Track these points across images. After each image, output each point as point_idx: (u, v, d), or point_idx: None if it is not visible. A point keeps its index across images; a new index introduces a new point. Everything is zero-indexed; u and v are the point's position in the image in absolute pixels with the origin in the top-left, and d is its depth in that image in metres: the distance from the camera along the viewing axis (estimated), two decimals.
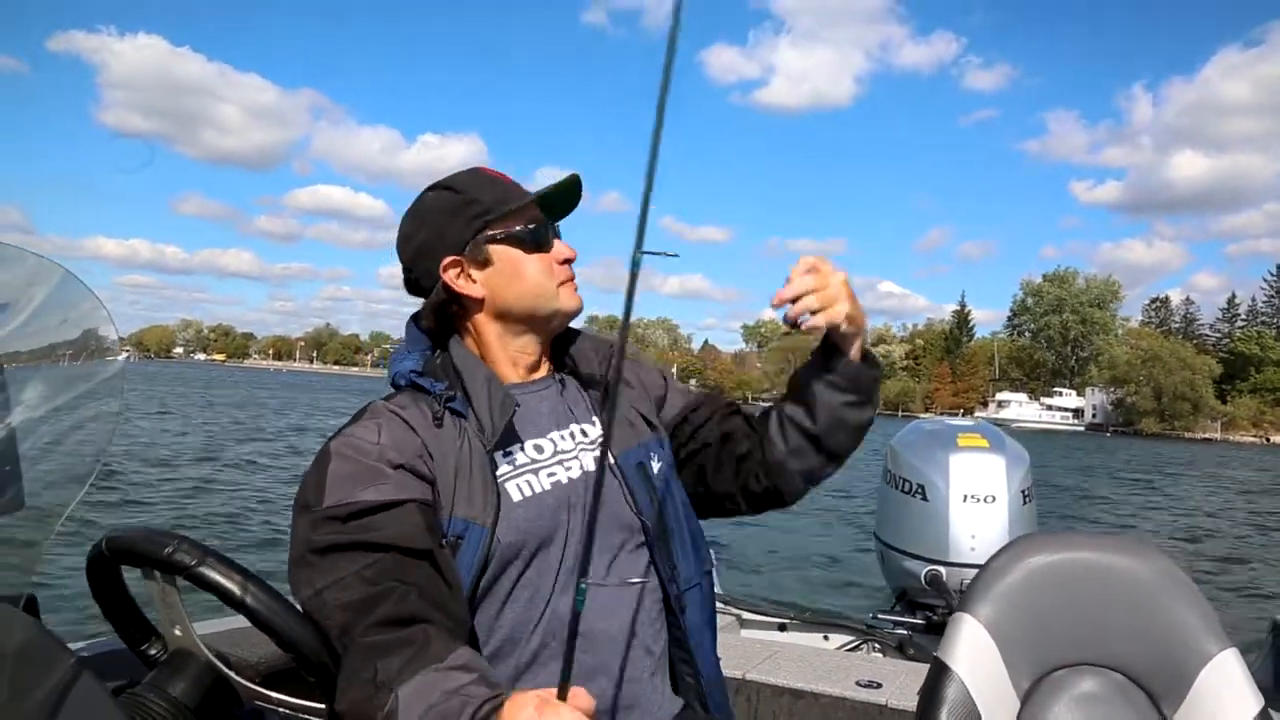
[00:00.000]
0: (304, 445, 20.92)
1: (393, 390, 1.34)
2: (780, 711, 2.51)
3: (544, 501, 1.26)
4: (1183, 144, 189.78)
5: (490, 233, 1.31)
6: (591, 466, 1.32)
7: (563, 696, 0.91)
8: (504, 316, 1.34)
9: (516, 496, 1.24)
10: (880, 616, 3.77)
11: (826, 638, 3.84)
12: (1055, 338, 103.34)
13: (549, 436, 1.33)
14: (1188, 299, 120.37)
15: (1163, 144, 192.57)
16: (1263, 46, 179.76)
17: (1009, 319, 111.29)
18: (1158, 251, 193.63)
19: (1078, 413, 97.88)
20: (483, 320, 1.35)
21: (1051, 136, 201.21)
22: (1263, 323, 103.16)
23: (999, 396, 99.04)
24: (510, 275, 1.32)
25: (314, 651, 1.09)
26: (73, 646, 1.24)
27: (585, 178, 1.37)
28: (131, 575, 1.21)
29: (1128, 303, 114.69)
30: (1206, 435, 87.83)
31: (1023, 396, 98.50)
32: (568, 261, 1.36)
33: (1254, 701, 1.40)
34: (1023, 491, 3.61)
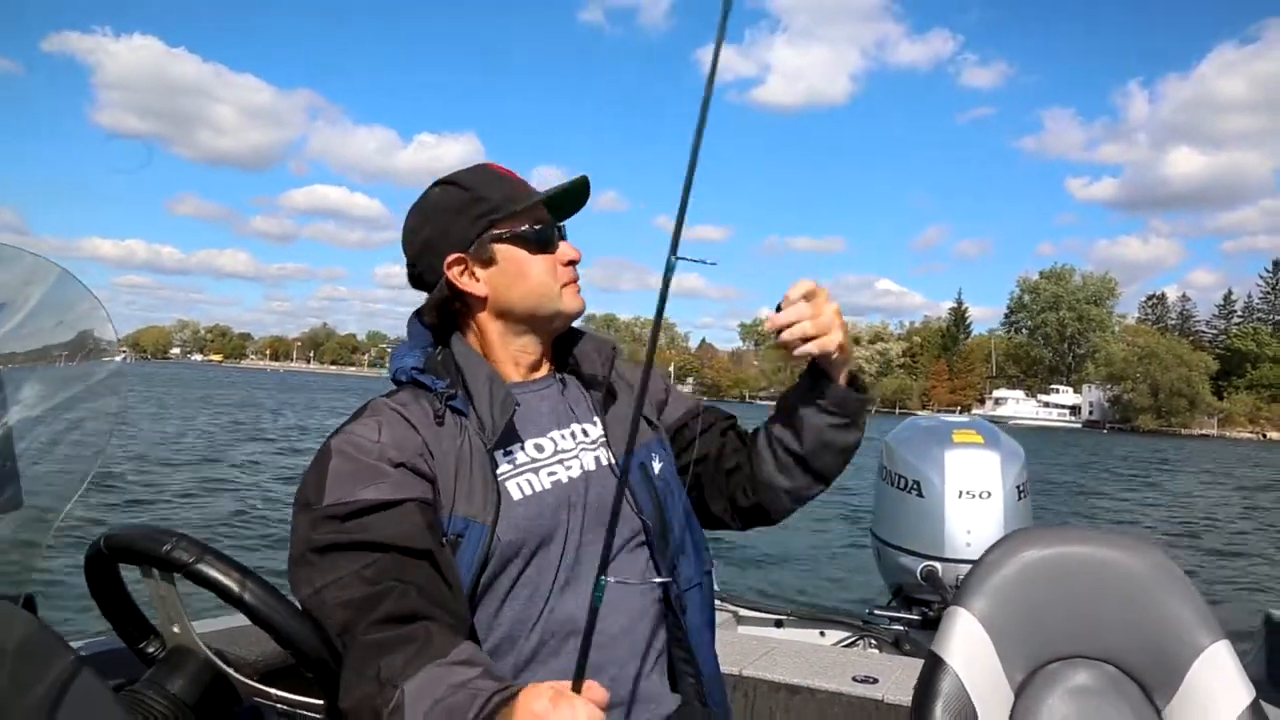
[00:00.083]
0: (303, 445, 20.91)
1: (394, 387, 1.34)
2: (777, 707, 2.52)
3: (544, 500, 1.26)
4: (1179, 141, 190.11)
5: (496, 232, 1.31)
6: (591, 466, 1.33)
7: (577, 689, 0.92)
8: (506, 316, 1.34)
9: (517, 495, 1.25)
10: (876, 612, 3.77)
11: (823, 634, 3.85)
12: (1052, 335, 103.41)
13: (549, 436, 1.33)
14: (1184, 296, 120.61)
15: (1159, 141, 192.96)
16: (1259, 43, 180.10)
17: (1006, 316, 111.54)
18: (1154, 248, 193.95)
19: (1075, 410, 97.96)
20: (485, 319, 1.35)
21: (1048, 134, 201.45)
22: (1259, 319, 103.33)
23: (996, 394, 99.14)
24: (514, 275, 1.32)
25: (312, 648, 1.09)
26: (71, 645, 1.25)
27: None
28: (130, 575, 1.21)
29: (1124, 300, 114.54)
30: (1203, 432, 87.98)
31: (1020, 394, 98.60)
32: (572, 263, 1.36)
33: (1245, 693, 1.41)
34: (1018, 487, 3.62)
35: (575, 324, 1.46)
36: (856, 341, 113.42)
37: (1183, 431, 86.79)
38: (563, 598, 1.24)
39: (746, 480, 1.45)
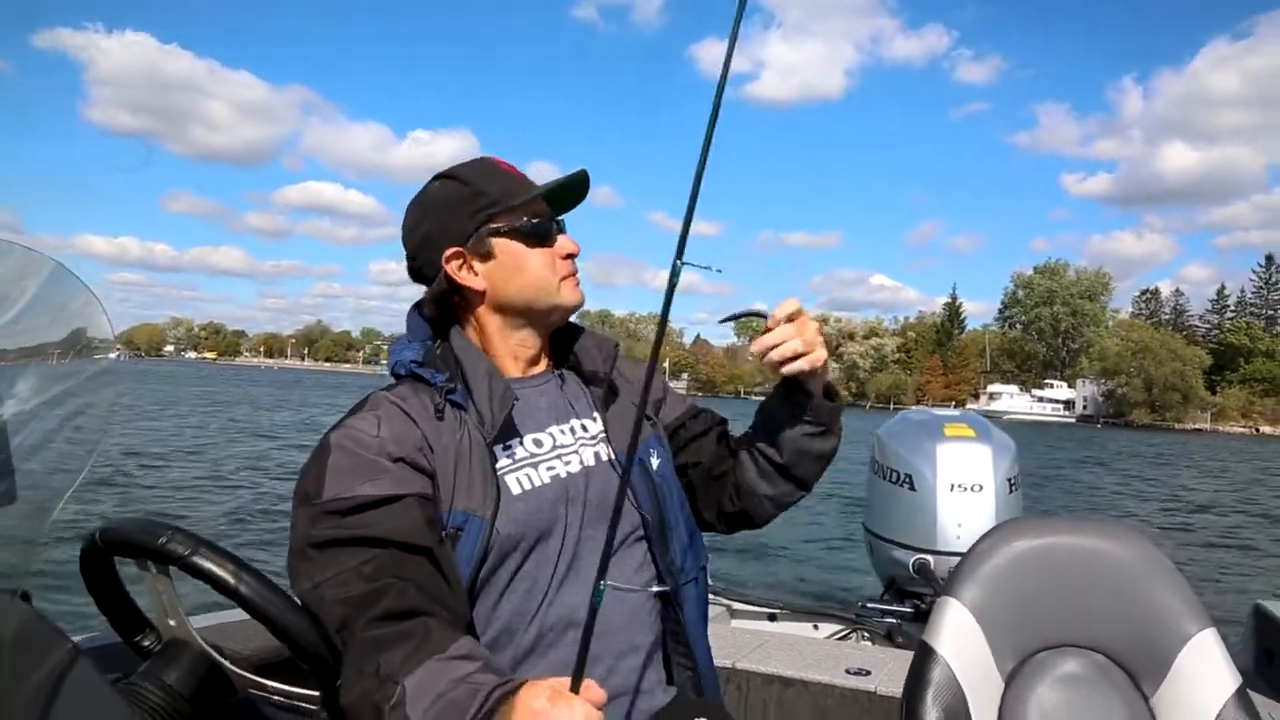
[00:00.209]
0: (302, 441, 20.86)
1: (393, 380, 1.35)
2: (770, 699, 2.53)
3: (543, 495, 1.26)
4: (1172, 136, 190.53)
5: (494, 226, 1.31)
6: (591, 462, 1.34)
7: (575, 688, 0.92)
8: (505, 309, 1.35)
9: (516, 490, 1.25)
10: (869, 605, 3.79)
11: (816, 627, 3.86)
12: (1046, 330, 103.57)
13: (548, 431, 1.34)
14: (1177, 290, 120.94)
15: (1153, 136, 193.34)
16: (1251, 39, 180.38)
17: (1000, 311, 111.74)
18: (1148, 243, 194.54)
19: (1069, 404, 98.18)
20: (484, 312, 1.36)
21: (1042, 129, 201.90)
22: (1252, 314, 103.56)
23: (990, 389, 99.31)
24: (512, 269, 1.32)
25: (308, 640, 1.09)
26: None
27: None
28: (126, 571, 1.21)
29: (1118, 294, 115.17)
30: (1196, 426, 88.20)
31: (1014, 388, 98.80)
32: (571, 256, 1.37)
33: (1231, 680, 1.42)
34: (1009, 480, 3.63)
35: (572, 320, 1.47)
36: (851, 337, 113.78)
37: (1176, 426, 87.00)
38: (561, 592, 1.24)
39: (732, 487, 1.48)
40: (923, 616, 3.54)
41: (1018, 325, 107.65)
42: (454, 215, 1.32)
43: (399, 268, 1.40)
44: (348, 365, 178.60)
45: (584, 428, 1.38)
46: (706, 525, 1.53)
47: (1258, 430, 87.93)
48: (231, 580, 1.08)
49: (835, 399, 1.44)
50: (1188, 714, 1.42)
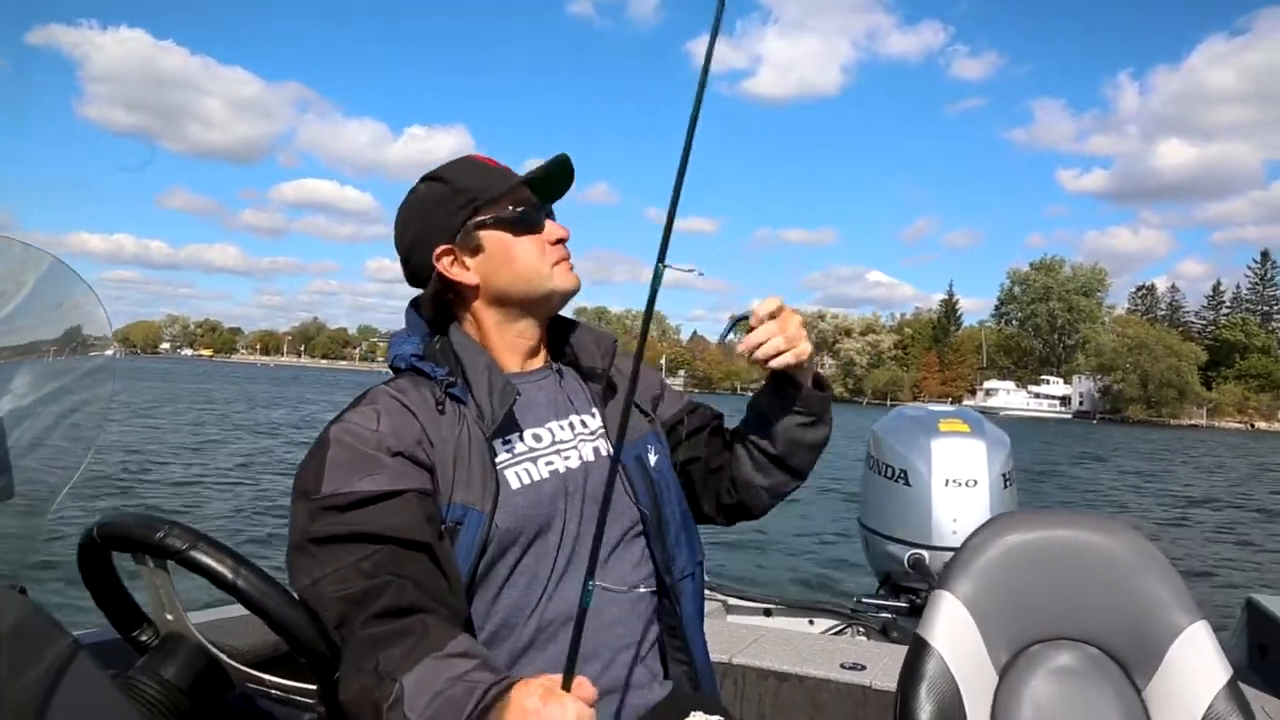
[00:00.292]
0: (300, 438, 20.84)
1: (392, 374, 1.35)
2: (766, 694, 2.53)
3: (542, 489, 1.27)
4: (1169, 132, 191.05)
5: (479, 219, 1.32)
6: (590, 457, 1.34)
7: (566, 686, 0.92)
8: (500, 301, 1.35)
9: (515, 484, 1.25)
10: (864, 600, 3.79)
11: (811, 622, 3.86)
12: (1042, 326, 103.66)
13: (547, 426, 1.34)
14: (1173, 286, 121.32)
15: (1149, 132, 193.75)
16: (1248, 35, 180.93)
17: (996, 308, 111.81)
18: (1144, 239, 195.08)
19: (1065, 400, 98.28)
20: (480, 307, 1.36)
21: (1038, 125, 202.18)
22: (1247, 310, 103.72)
23: (987, 385, 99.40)
24: (502, 260, 1.32)
25: (306, 634, 1.09)
26: None
27: (574, 168, 1.38)
28: (122, 567, 1.21)
29: (1114, 290, 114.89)
30: (1192, 422, 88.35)
31: (1010, 384, 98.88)
32: (561, 241, 1.36)
33: (1223, 672, 1.43)
34: (1003, 475, 3.64)
35: (569, 316, 1.48)
36: (848, 333, 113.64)
37: (1172, 422, 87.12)
38: (560, 586, 1.25)
39: (729, 480, 1.50)
40: (918, 611, 3.55)
41: (1014, 321, 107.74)
42: (440, 214, 1.33)
43: (396, 265, 1.40)
44: (344, 362, 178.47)
45: (583, 423, 1.38)
46: (705, 518, 1.55)
47: (1253, 426, 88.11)
48: (229, 575, 1.08)
49: (825, 389, 1.46)
50: (1179, 706, 1.43)
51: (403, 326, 1.39)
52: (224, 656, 1.21)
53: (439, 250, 1.32)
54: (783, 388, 1.44)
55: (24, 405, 1.02)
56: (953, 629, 1.51)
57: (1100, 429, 71.14)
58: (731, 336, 1.38)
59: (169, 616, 1.20)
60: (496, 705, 0.93)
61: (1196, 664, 1.45)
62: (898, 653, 2.58)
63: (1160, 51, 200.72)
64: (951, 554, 1.62)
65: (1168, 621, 1.48)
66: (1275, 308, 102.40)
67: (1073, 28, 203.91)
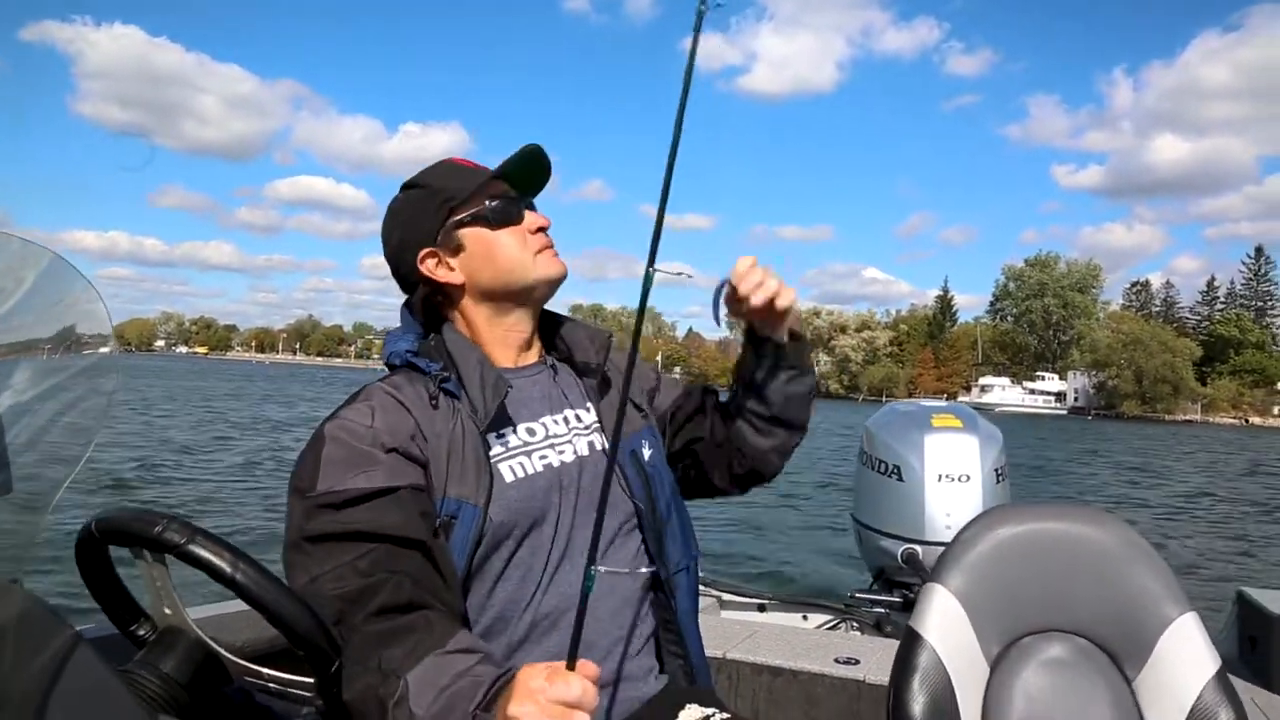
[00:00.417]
0: (298, 435, 20.80)
1: (387, 371, 1.36)
2: (760, 689, 2.55)
3: (535, 483, 1.28)
4: (1163, 128, 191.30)
5: (457, 218, 1.33)
6: (585, 451, 1.35)
7: (571, 667, 0.94)
8: (488, 296, 1.36)
9: (509, 477, 1.26)
10: (858, 595, 3.80)
11: (805, 617, 3.87)
12: (1037, 322, 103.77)
13: (541, 420, 1.35)
14: (1168, 282, 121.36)
15: (1143, 128, 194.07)
16: (1241, 31, 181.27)
17: (991, 304, 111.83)
18: (1138, 235, 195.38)
19: (1060, 396, 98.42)
20: (468, 305, 1.37)
21: (1033, 121, 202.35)
22: (1242, 305, 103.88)
23: (982, 381, 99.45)
24: (484, 255, 1.34)
25: (305, 627, 1.09)
26: None
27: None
28: (122, 566, 1.22)
29: (1109, 286, 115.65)
30: (1187, 417, 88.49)
31: (1005, 381, 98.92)
32: (542, 230, 1.37)
33: (1211, 662, 1.45)
34: (996, 470, 3.65)
35: (565, 314, 1.49)
36: (843, 330, 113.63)
37: (1167, 417, 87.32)
38: (555, 579, 1.26)
39: (736, 451, 1.51)
40: (911, 606, 3.54)
41: (1009, 317, 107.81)
42: (419, 218, 1.35)
43: None
44: (339, 360, 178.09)
45: (578, 418, 1.39)
46: (720, 491, 1.57)
47: (1247, 421, 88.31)
48: (228, 569, 1.08)
49: (801, 340, 1.48)
50: (1169, 696, 1.45)
51: (398, 324, 1.41)
52: (222, 650, 1.22)
53: (422, 254, 1.34)
54: (762, 348, 1.46)
55: (23, 401, 1.02)
56: (945, 622, 1.52)
57: (1095, 425, 71.25)
58: (724, 310, 1.39)
59: (167, 611, 1.20)
60: (502, 695, 0.94)
61: (1186, 655, 1.46)
62: (891, 647, 2.59)
63: (1154, 47, 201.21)
64: (944, 548, 1.64)
65: (1157, 613, 1.49)
66: (1269, 303, 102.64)
67: (1067, 24, 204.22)
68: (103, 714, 0.92)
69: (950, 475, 3.59)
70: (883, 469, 3.74)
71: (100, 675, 0.93)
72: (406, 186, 1.40)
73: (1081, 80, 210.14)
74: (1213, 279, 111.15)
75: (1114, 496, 18.68)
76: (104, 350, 1.05)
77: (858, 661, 2.51)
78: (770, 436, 1.51)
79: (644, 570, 1.34)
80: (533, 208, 1.39)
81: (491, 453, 1.27)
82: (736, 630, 2.81)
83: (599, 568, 1.04)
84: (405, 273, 1.37)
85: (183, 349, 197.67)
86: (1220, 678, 1.44)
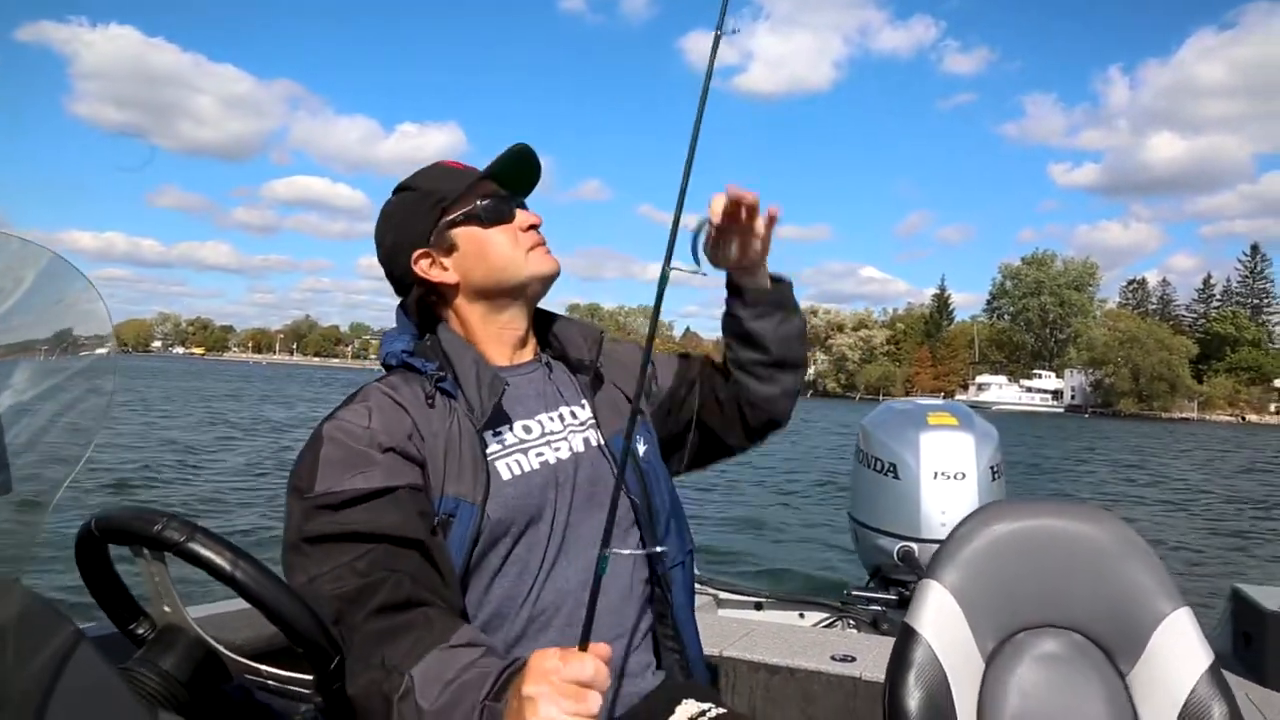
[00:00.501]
0: (298, 435, 20.77)
1: (384, 371, 1.37)
2: (757, 686, 2.55)
3: (532, 480, 1.29)
4: (1159, 126, 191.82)
5: (449, 218, 1.35)
6: (580, 448, 1.36)
7: (583, 648, 0.95)
8: (482, 295, 1.37)
9: (506, 475, 1.27)
10: (854, 593, 3.80)
11: (802, 615, 3.87)
12: (1034, 320, 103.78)
13: (537, 418, 1.36)
14: (1164, 280, 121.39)
15: (1139, 126, 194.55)
16: (1237, 29, 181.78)
17: (988, 302, 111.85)
18: (1134, 233, 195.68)
19: (1057, 394, 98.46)
20: (463, 304, 1.38)
21: (1029, 120, 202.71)
22: (1238, 303, 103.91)
23: (979, 379, 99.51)
24: (476, 254, 1.35)
25: (304, 624, 1.10)
26: None
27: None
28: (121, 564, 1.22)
29: (1105, 284, 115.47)
30: (1184, 415, 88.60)
31: (1002, 379, 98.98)
32: (534, 227, 1.39)
33: (1205, 657, 1.45)
34: (992, 468, 3.66)
35: (560, 313, 1.50)
36: (840, 329, 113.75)
37: (1163, 415, 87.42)
38: (552, 575, 1.27)
39: (746, 405, 1.54)
40: (907, 604, 3.54)
41: (1006, 316, 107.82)
42: (411, 219, 1.36)
43: None
44: (336, 360, 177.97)
45: (573, 414, 1.40)
46: (738, 448, 1.60)
47: (1244, 418, 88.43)
48: (227, 566, 1.08)
49: (782, 281, 1.51)
50: (1162, 691, 1.45)
51: (394, 325, 1.42)
52: (221, 648, 1.22)
53: (416, 255, 1.35)
54: (747, 296, 1.48)
55: (23, 401, 1.02)
56: (940, 618, 1.53)
57: (1092, 423, 71.35)
58: (703, 253, 1.40)
59: (166, 609, 1.20)
60: (512, 683, 0.95)
61: (1179, 650, 1.47)
62: (887, 644, 2.59)
63: (1150, 45, 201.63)
64: (939, 545, 1.64)
65: (1151, 608, 1.50)
66: (1265, 300, 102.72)
67: (1063, 23, 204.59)
68: (103, 711, 0.92)
69: (946, 473, 3.59)
70: (879, 467, 3.74)
71: (101, 672, 0.93)
72: (399, 189, 1.41)
73: (1078, 79, 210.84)
74: (1209, 277, 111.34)
75: (1111, 494, 18.70)
76: (104, 350, 1.05)
77: (854, 659, 2.52)
78: (775, 382, 1.54)
79: (657, 549, 1.35)
80: (524, 206, 1.40)
81: (488, 451, 1.27)
82: (733, 628, 2.81)
83: (612, 550, 1.05)
84: (399, 274, 1.39)
85: (179, 350, 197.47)
86: (1213, 672, 1.45)
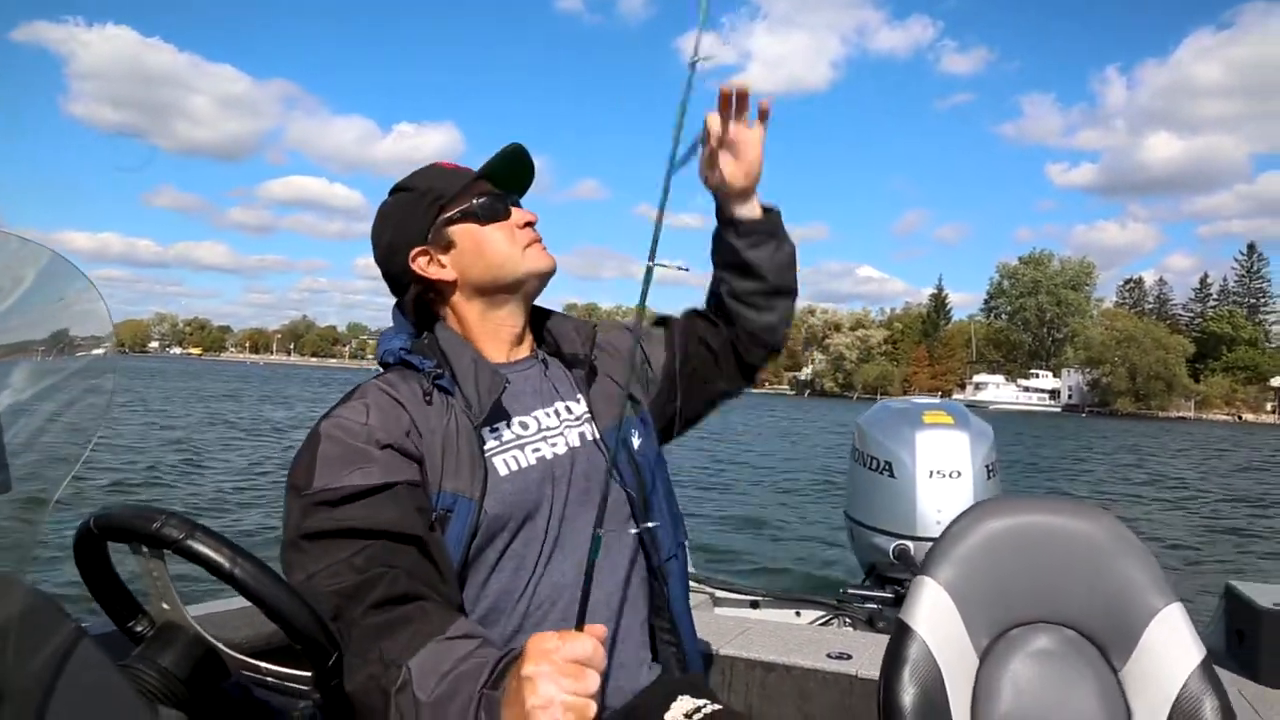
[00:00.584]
0: (297, 434, 20.76)
1: (381, 370, 1.38)
2: (754, 684, 2.56)
3: (529, 476, 1.30)
4: (1156, 126, 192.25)
5: (446, 215, 1.36)
6: (577, 442, 1.37)
7: (579, 628, 0.96)
8: (480, 291, 1.38)
9: (503, 471, 1.28)
10: (850, 591, 3.81)
11: (798, 614, 3.87)
12: (1031, 320, 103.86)
13: (534, 414, 1.37)
14: (1161, 280, 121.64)
15: (1136, 126, 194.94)
16: (1234, 29, 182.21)
17: (986, 302, 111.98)
18: (1131, 233, 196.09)
19: (1054, 394, 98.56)
20: (460, 301, 1.39)
21: (1027, 119, 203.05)
22: (1234, 302, 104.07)
23: (976, 379, 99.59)
24: (474, 251, 1.36)
25: (302, 621, 1.10)
26: None
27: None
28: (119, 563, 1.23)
29: (1102, 284, 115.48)
30: (1180, 414, 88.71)
31: (1000, 378, 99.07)
32: (530, 225, 1.40)
33: (1196, 651, 1.46)
34: (987, 466, 3.67)
35: (558, 310, 1.51)
36: (838, 328, 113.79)
37: (1160, 414, 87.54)
38: (549, 569, 1.28)
39: (744, 343, 1.56)
40: (903, 601, 3.55)
41: (1003, 315, 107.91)
42: (409, 218, 1.37)
43: None
44: (334, 360, 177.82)
45: (568, 409, 1.41)
46: (733, 390, 1.62)
47: (1240, 418, 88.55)
48: (226, 564, 1.09)
49: (772, 210, 1.54)
50: (1155, 685, 1.46)
51: (391, 325, 1.43)
52: (220, 645, 1.23)
53: (414, 252, 1.37)
54: (741, 225, 1.50)
55: (23, 400, 1.02)
56: (934, 614, 1.54)
57: (1089, 422, 71.43)
58: (702, 155, 1.41)
59: (165, 606, 1.21)
60: (510, 670, 0.96)
61: (1171, 645, 1.48)
62: (883, 642, 2.59)
63: (1147, 45, 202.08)
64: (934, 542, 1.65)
65: (1144, 604, 1.51)
66: (1262, 300, 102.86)
67: (1061, 23, 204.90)
68: (104, 707, 0.93)
69: (941, 471, 3.60)
70: (874, 466, 3.75)
71: (102, 669, 0.94)
72: (395, 190, 1.42)
73: (1075, 79, 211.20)
74: (1205, 276, 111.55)
75: (1109, 493, 18.72)
76: (103, 349, 1.06)
77: (850, 656, 2.53)
78: (773, 310, 1.56)
79: (632, 530, 1.36)
80: (519, 205, 1.42)
81: (485, 447, 1.29)
82: (729, 626, 2.82)
83: (605, 530, 1.06)
84: (397, 273, 1.40)
85: (176, 350, 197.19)
86: (1205, 667, 1.46)
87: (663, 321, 1.63)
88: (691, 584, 1.52)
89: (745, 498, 14.02)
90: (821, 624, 3.74)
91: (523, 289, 1.40)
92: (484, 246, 1.36)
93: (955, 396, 79.02)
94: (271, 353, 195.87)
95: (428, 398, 1.28)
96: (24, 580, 0.95)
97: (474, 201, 1.37)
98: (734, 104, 1.40)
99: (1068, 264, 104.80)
